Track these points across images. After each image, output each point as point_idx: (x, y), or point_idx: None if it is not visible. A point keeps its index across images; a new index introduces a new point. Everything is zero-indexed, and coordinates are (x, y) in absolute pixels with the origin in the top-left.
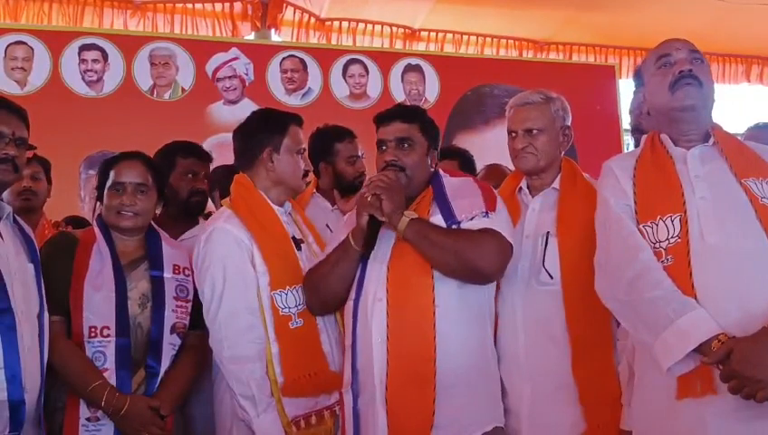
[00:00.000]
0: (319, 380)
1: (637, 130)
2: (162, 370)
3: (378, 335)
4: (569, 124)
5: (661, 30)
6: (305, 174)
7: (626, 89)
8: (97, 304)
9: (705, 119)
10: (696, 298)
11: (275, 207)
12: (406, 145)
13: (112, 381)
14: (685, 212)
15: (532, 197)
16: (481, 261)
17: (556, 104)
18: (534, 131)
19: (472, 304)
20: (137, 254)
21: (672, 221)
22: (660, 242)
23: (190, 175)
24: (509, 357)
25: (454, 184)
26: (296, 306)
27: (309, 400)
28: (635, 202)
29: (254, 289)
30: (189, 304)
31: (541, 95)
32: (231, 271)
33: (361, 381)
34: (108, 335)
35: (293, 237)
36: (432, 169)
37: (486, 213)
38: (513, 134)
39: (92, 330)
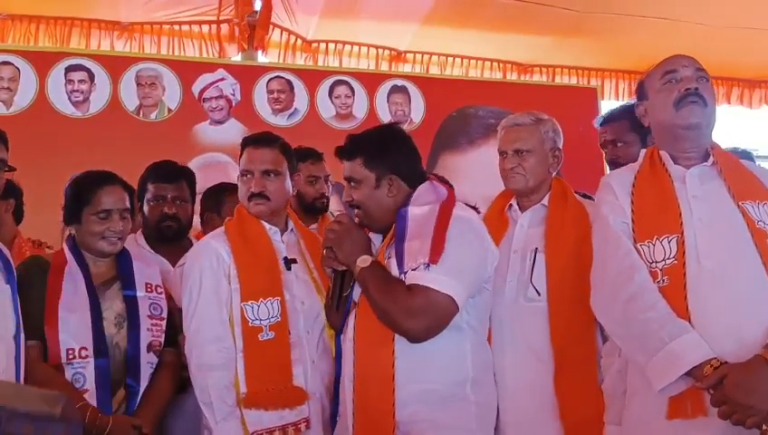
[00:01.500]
0: (281, 394)
1: (614, 163)
2: (141, 388)
3: (347, 375)
4: (559, 146)
5: (642, 53)
6: (251, 196)
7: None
8: (73, 326)
9: (706, 138)
10: (689, 321)
11: (266, 226)
12: (353, 184)
13: (93, 401)
14: (682, 233)
15: (522, 213)
16: (406, 323)
17: (546, 126)
18: (523, 152)
19: (443, 338)
20: (109, 274)
21: (669, 242)
22: (657, 262)
23: (160, 200)
24: (499, 373)
25: (417, 218)
26: (268, 319)
27: (273, 414)
28: (632, 221)
29: (226, 301)
30: (164, 322)
31: (531, 117)
32: (206, 283)
33: (341, 411)
34: (86, 356)
35: (285, 257)
36: (392, 196)
37: (428, 265)
38: (504, 154)
39: (70, 352)
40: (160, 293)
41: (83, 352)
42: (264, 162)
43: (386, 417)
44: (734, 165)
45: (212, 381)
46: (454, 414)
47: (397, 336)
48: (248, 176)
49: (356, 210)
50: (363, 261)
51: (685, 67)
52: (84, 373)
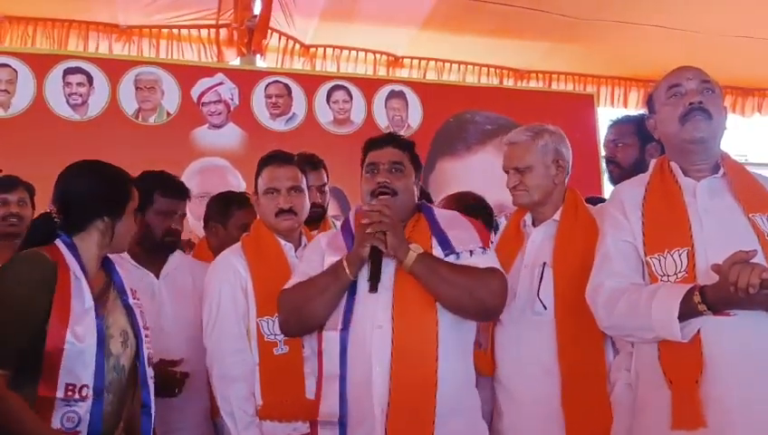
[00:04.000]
0: (294, 406)
1: (611, 162)
2: (152, 405)
3: (378, 364)
4: (564, 155)
5: (637, 61)
6: (280, 212)
7: (604, 117)
8: (80, 359)
9: (715, 149)
10: (698, 333)
11: (282, 242)
12: (397, 169)
13: None
14: (692, 246)
15: (535, 228)
16: (492, 300)
17: (544, 138)
18: (523, 169)
19: (463, 335)
20: (103, 279)
21: (680, 255)
22: (668, 275)
23: (167, 215)
24: (508, 386)
25: (444, 215)
26: (283, 334)
27: (285, 425)
28: (643, 234)
29: (243, 315)
30: (150, 332)
31: (528, 133)
32: (225, 297)
33: (355, 411)
34: (86, 396)
35: None
36: (416, 200)
37: (484, 249)
38: (507, 173)
39: (70, 388)
40: (140, 299)
41: (84, 391)
42: (289, 179)
43: (428, 395)
44: (745, 176)
45: (233, 391)
46: (477, 409)
47: (439, 317)
48: (274, 193)
49: (387, 197)
50: (417, 247)
51: (689, 80)
52: (80, 413)
